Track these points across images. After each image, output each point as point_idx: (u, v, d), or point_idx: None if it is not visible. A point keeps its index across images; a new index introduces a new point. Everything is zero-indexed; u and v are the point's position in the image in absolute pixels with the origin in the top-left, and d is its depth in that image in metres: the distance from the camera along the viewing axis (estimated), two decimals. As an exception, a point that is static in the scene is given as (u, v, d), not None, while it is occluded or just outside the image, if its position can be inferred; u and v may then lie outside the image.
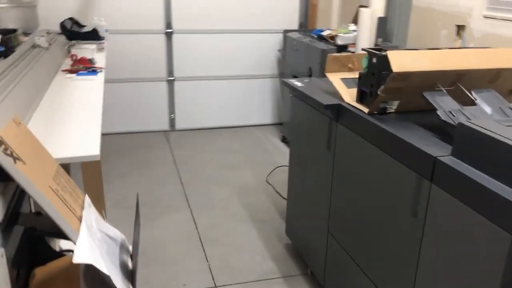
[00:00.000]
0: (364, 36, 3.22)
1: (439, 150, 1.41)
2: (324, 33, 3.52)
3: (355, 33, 3.40)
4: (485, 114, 1.55)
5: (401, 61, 1.59)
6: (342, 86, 1.99)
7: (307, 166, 2.29)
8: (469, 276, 1.27)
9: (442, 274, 1.38)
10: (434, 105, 1.58)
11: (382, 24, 3.35)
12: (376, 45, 3.31)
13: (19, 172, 0.95)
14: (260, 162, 3.86)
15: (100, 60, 3.12)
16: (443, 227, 1.35)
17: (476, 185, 1.22)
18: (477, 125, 1.29)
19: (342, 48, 3.33)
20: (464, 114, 1.53)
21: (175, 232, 2.83)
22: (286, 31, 4.27)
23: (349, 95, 1.94)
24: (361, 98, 1.85)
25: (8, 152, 0.95)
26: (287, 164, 3.78)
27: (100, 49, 3.40)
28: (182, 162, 3.83)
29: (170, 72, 4.39)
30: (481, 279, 1.22)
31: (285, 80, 2.34)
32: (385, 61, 1.69)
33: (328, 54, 2.06)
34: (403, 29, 3.46)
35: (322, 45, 3.34)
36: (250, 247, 2.69)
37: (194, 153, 4.02)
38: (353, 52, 3.27)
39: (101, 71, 2.85)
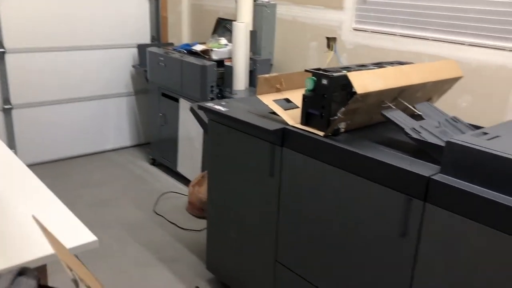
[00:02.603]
0: (240, 50, 3.18)
1: (426, 169, 1.44)
2: (196, 48, 3.36)
3: (229, 47, 3.33)
4: (435, 127, 1.65)
5: (362, 82, 1.58)
6: (280, 109, 1.90)
7: (237, 194, 2.13)
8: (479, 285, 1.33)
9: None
10: (397, 123, 1.62)
11: (253, 38, 3.36)
12: (250, 58, 3.30)
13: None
14: (137, 191, 3.49)
15: None
16: (443, 243, 1.39)
17: (478, 198, 1.28)
18: (467, 142, 1.36)
19: (219, 63, 3.23)
20: (425, 129, 1.60)
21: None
22: (141, 46, 3.95)
23: (291, 118, 1.86)
24: (307, 120, 1.80)
25: None
26: (172, 190, 3.55)
27: None
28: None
29: (6, 99, 3.64)
30: None
31: (202, 104, 2.14)
32: (338, 82, 1.67)
33: (259, 76, 1.94)
34: (270, 42, 3.54)
35: (199, 61, 3.18)
36: (169, 292, 2.40)
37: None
38: (230, 66, 3.20)
39: None
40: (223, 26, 3.83)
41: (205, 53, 3.31)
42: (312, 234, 1.82)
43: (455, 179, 1.37)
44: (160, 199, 3.36)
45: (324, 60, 3.15)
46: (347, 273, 1.71)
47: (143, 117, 4.41)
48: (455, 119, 1.74)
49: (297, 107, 1.92)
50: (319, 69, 1.73)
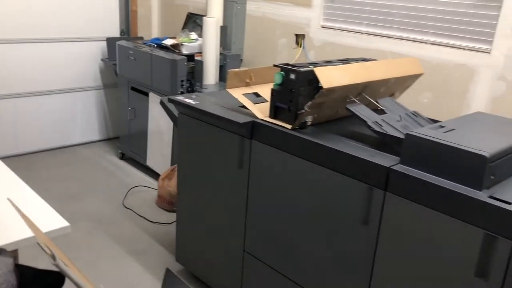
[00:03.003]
0: (210, 45, 3.21)
1: (387, 160, 1.52)
2: (166, 42, 3.37)
3: (199, 42, 3.35)
4: (397, 121, 1.74)
5: (328, 77, 1.65)
6: (250, 102, 1.95)
7: (207, 187, 2.17)
8: (436, 270, 1.42)
9: (400, 274, 1.50)
10: (360, 116, 1.69)
11: (223, 33, 3.39)
12: (221, 53, 3.33)
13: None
14: (105, 185, 3.47)
15: None
16: (402, 230, 1.47)
17: (438, 189, 1.37)
18: (425, 134, 1.44)
19: (190, 58, 3.25)
20: (387, 123, 1.68)
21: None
22: (110, 39, 3.92)
23: (260, 111, 1.91)
24: (275, 114, 1.85)
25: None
26: (141, 184, 3.54)
27: None
28: (9, 200, 3.15)
29: (-31, 91, 3.56)
30: (452, 274, 1.38)
31: (172, 97, 2.16)
32: (305, 77, 1.74)
33: (229, 70, 1.99)
34: (240, 37, 3.58)
35: (169, 55, 3.19)
36: (141, 285, 2.42)
37: (20, 187, 3.35)
38: (200, 61, 3.23)
39: None
40: (193, 21, 3.84)
41: (175, 48, 3.32)
42: (279, 223, 1.88)
43: (413, 169, 1.45)
44: (129, 193, 3.36)
45: (293, 56, 3.22)
46: (312, 261, 1.78)
47: (112, 111, 4.37)
48: (415, 114, 1.83)
49: (266, 101, 1.97)
50: (287, 64, 1.79)
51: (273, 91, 1.83)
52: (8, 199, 0.77)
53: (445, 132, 1.48)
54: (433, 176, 1.41)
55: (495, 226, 1.27)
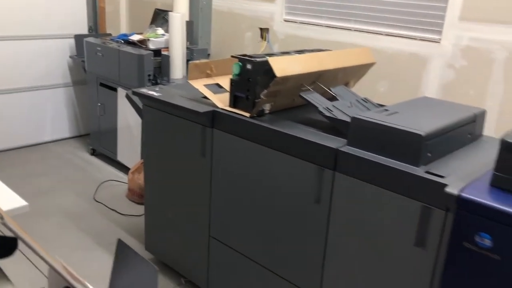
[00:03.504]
0: (176, 40, 3.27)
1: (335, 142, 1.63)
2: (133, 38, 3.42)
3: (165, 37, 3.41)
4: (347, 106, 1.85)
5: (281, 66, 1.74)
6: (210, 93, 2.03)
7: (172, 176, 2.25)
8: (380, 241, 1.53)
9: (352, 247, 1.61)
10: (313, 103, 1.80)
11: (190, 28, 3.46)
12: (188, 48, 3.39)
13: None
14: (77, 181, 3.51)
15: None
16: (350, 206, 1.58)
17: (380, 167, 1.48)
18: (369, 117, 1.55)
19: (157, 53, 3.30)
20: (337, 108, 1.79)
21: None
22: (78, 36, 3.94)
23: (220, 101, 2.00)
24: (235, 103, 1.94)
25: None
26: (112, 179, 3.58)
27: None
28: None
29: None
30: (394, 244, 1.50)
31: (136, 90, 2.23)
32: (261, 67, 1.83)
33: (190, 62, 2.07)
34: (207, 32, 3.65)
35: (136, 50, 3.24)
36: (110, 273, 2.48)
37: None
38: (166, 55, 3.29)
39: None
40: (162, 17, 3.89)
41: (142, 43, 3.37)
42: (241, 207, 1.97)
43: (359, 150, 1.56)
44: (100, 188, 3.40)
45: (259, 50, 3.31)
46: (273, 241, 1.88)
47: (82, 107, 4.39)
48: (365, 100, 1.95)
49: (227, 91, 2.05)
50: (244, 55, 1.88)
51: (232, 81, 1.91)
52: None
53: (388, 115, 1.59)
54: (377, 155, 1.52)
55: (430, 198, 1.39)
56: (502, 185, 1.26)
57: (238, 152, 1.92)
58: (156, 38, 3.39)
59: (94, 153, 4.00)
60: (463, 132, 1.67)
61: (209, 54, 3.63)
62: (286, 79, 1.77)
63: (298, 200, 1.74)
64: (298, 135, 1.68)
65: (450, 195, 1.29)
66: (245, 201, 1.95)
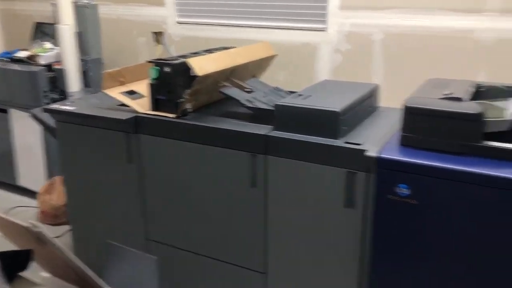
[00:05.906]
0: (68, 52, 3.16)
1: (263, 129, 1.79)
2: (19, 55, 3.22)
3: (56, 51, 3.28)
4: (263, 96, 2.02)
5: (200, 65, 1.85)
6: (128, 99, 2.06)
7: (99, 188, 2.23)
8: (315, 210, 1.73)
9: (290, 220, 1.79)
10: (234, 97, 1.93)
11: (80, 39, 3.36)
12: (82, 59, 3.30)
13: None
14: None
15: None
16: (284, 184, 1.76)
17: (306, 144, 1.68)
18: (290, 103, 1.74)
19: (49, 68, 3.17)
20: (256, 99, 1.95)
21: None
22: None
23: (140, 106, 2.04)
24: (157, 106, 2.00)
25: None
26: (17, 205, 3.31)
27: None
28: None
29: None
30: (327, 210, 1.70)
31: (47, 107, 2.16)
32: (179, 68, 1.91)
33: (104, 72, 2.07)
34: (97, 41, 3.57)
35: (26, 67, 3.08)
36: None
37: None
38: (60, 69, 3.17)
39: None
40: (41, 31, 3.71)
41: (31, 59, 3.21)
42: (178, 205, 2.04)
43: (286, 133, 1.74)
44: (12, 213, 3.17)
45: (154, 54, 3.34)
46: (215, 231, 1.99)
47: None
48: (277, 89, 2.14)
49: (143, 96, 2.10)
50: (160, 59, 1.94)
51: (151, 85, 1.97)
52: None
53: (303, 99, 1.79)
54: (301, 135, 1.71)
55: (353, 164, 1.62)
56: (410, 143, 1.53)
57: (168, 152, 1.98)
58: (46, 53, 3.25)
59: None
60: (366, 106, 1.94)
61: (103, 63, 3.56)
62: (206, 77, 1.88)
63: (235, 188, 1.87)
64: (229, 128, 1.81)
65: (370, 158, 1.53)
66: (181, 199, 2.03)
